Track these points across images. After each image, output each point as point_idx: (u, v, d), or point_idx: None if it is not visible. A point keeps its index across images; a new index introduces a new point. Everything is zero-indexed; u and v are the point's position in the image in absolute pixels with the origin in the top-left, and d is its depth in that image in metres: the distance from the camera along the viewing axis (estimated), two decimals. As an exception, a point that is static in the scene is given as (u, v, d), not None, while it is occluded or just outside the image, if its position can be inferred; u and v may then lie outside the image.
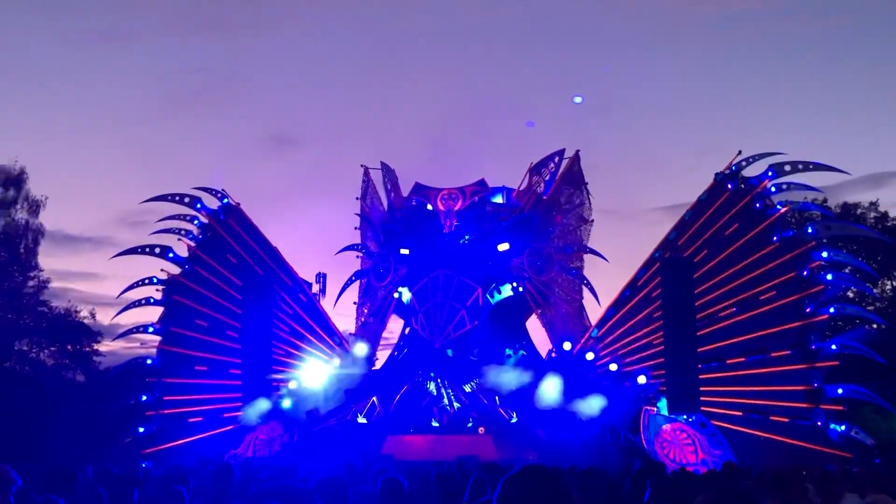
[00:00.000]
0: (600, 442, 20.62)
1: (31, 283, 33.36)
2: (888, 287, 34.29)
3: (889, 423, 24.88)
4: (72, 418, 30.48)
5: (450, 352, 23.25)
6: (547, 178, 25.51)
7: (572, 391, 21.07)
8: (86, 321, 34.33)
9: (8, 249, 32.38)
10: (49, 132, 62.87)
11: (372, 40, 64.03)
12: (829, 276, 20.62)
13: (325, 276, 25.94)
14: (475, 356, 23.45)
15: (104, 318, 35.14)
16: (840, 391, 20.09)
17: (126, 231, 64.01)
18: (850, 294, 27.70)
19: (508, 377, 22.02)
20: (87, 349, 34.45)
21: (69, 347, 34.02)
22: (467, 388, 23.20)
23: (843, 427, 19.74)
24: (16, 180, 32.47)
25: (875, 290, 31.65)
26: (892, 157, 78.19)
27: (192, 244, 24.08)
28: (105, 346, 35.15)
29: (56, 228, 43.52)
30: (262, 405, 21.12)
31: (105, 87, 65.03)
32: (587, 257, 25.42)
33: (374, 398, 23.07)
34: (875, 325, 25.32)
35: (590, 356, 21.75)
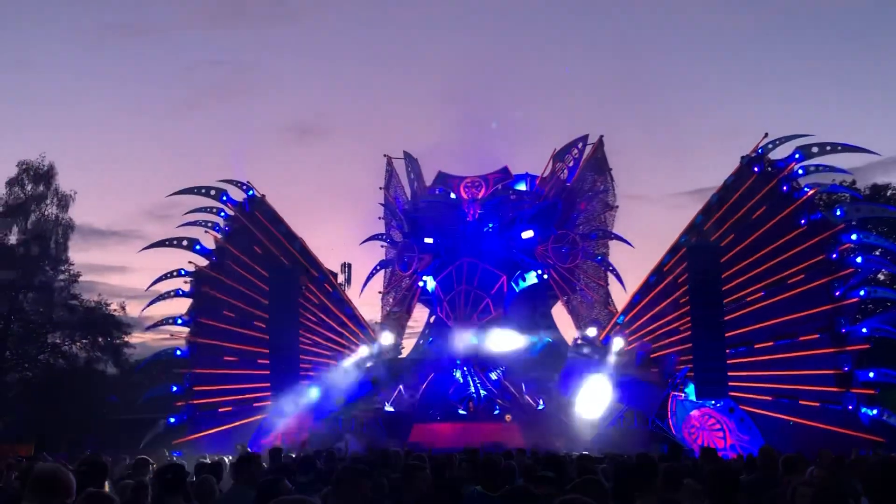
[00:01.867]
0: (628, 428, 20.59)
1: (61, 277, 33.84)
2: (920, 269, 33.69)
3: (922, 407, 24.53)
4: (104, 409, 31.02)
5: (475, 340, 23.28)
6: (570, 164, 25.39)
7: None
8: (116, 314, 34.79)
9: (39, 245, 32.86)
10: (75, 127, 63.83)
11: (394, 29, 64.05)
12: (859, 259, 20.34)
13: (350, 265, 26.09)
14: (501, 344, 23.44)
15: (134, 310, 35.71)
16: (871, 375, 19.86)
17: (153, 224, 65.07)
18: (881, 276, 27.34)
19: (535, 364, 22.03)
20: (118, 341, 34.91)
21: (100, 340, 34.49)
22: (493, 376, 23.24)
23: (874, 411, 19.51)
24: (45, 176, 32.92)
25: (906, 273, 31.14)
26: (923, 137, 76.49)
27: (219, 236, 24.31)
28: (135, 338, 35.67)
29: (84, 223, 44.25)
30: (290, 394, 21.29)
31: (129, 80, 65.92)
32: (612, 243, 25.30)
33: (401, 386, 23.19)
34: (906, 308, 24.94)
35: (618, 342, 21.64)
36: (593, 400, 20.67)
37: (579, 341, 23.59)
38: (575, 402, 20.78)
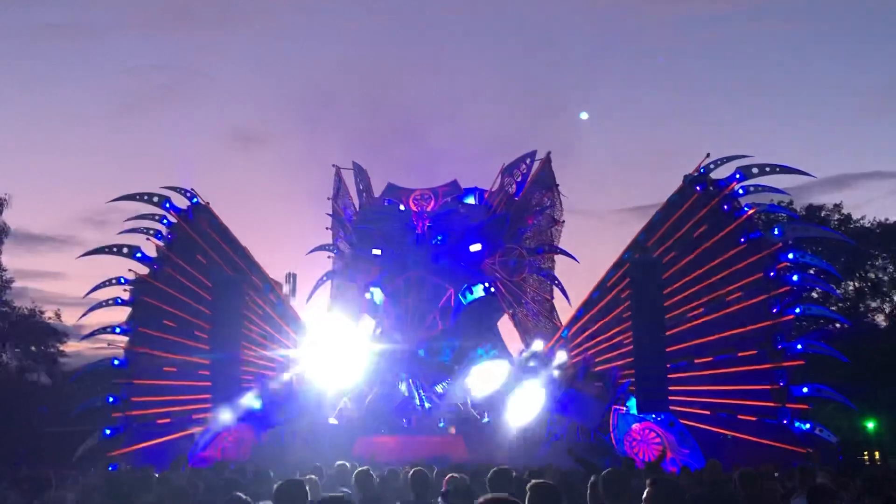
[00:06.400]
0: (571, 441, 20.77)
1: (-7, 283, 32.75)
2: (851, 288, 35.01)
3: (851, 421, 25.42)
4: (36, 420, 29.96)
5: (421, 352, 23.27)
6: (519, 179, 25.64)
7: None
8: (50, 321, 33.82)
9: (-30, 249, 31.75)
10: (10, 129, 61.84)
11: (341, 36, 63.79)
12: (795, 277, 20.96)
13: (295, 276, 25.76)
14: (447, 356, 23.48)
15: (70, 318, 34.63)
16: (805, 390, 20.44)
17: (90, 230, 63.40)
18: (815, 294, 28.24)
19: (480, 377, 22.10)
20: (52, 350, 33.93)
21: (33, 348, 33.45)
22: (439, 389, 23.22)
23: (807, 425, 20.10)
24: (-22, 178, 31.87)
25: (839, 291, 32.26)
26: (855, 160, 79.97)
27: (161, 244, 23.78)
28: (70, 347, 34.66)
29: (18, 227, 42.80)
30: (232, 406, 20.89)
31: (67, 82, 64.29)
32: (558, 258, 25.62)
33: (345, 399, 22.99)
34: (839, 325, 25.82)
35: (561, 356, 21.85)
36: (524, 406, 20.85)
37: (525, 354, 23.78)
38: (506, 408, 20.94)
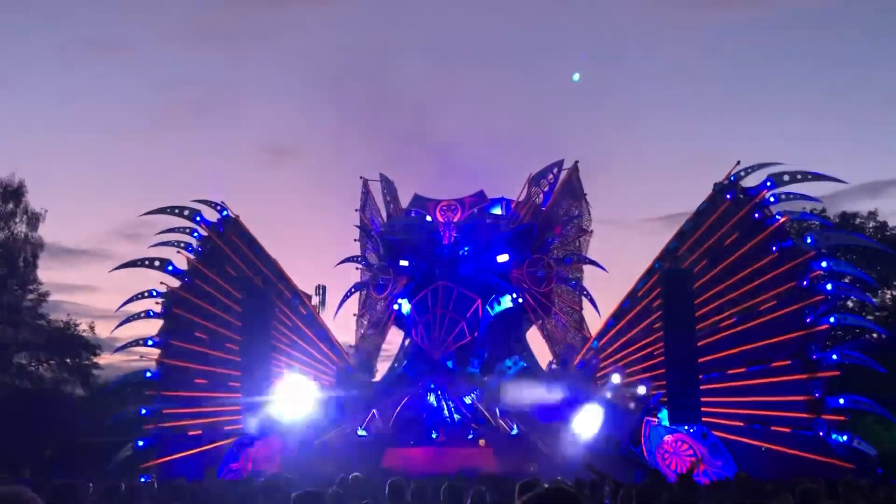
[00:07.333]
0: (602, 453, 20.55)
1: (30, 296, 33.34)
2: (888, 296, 34.28)
3: (891, 433, 24.82)
4: (71, 432, 30.38)
5: (450, 363, 23.20)
6: (546, 188, 25.53)
7: (573, 403, 21.04)
8: (84, 334, 34.35)
9: (7, 263, 32.34)
10: (46, 144, 63.08)
11: (369, 50, 64.12)
12: (829, 286, 20.61)
13: (324, 288, 25.92)
14: (475, 368, 23.40)
15: (103, 331, 35.15)
16: (841, 401, 20.05)
17: (124, 243, 64.07)
18: (850, 304, 27.72)
19: (509, 388, 21.96)
20: (86, 362, 34.41)
21: (68, 361, 33.96)
22: (467, 400, 23.12)
23: (845, 437, 19.69)
24: (15, 193, 32.50)
25: (875, 300, 31.61)
26: (891, 166, 78.42)
27: (192, 257, 24.06)
28: (104, 360, 35.16)
29: (53, 241, 43.61)
30: (262, 419, 21.00)
31: (102, 97, 65.33)
32: (586, 268, 25.41)
33: (374, 410, 22.99)
34: (875, 335, 25.29)
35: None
36: (587, 426, 20.58)
37: (554, 366, 23.62)
38: (572, 427, 20.61)
